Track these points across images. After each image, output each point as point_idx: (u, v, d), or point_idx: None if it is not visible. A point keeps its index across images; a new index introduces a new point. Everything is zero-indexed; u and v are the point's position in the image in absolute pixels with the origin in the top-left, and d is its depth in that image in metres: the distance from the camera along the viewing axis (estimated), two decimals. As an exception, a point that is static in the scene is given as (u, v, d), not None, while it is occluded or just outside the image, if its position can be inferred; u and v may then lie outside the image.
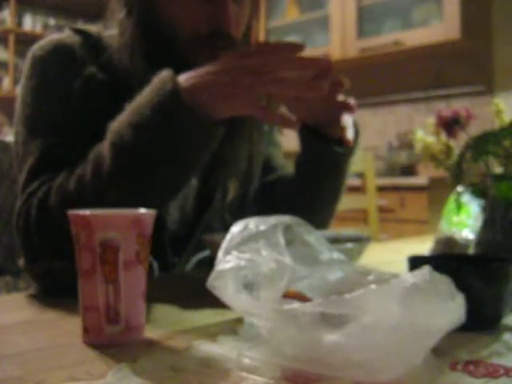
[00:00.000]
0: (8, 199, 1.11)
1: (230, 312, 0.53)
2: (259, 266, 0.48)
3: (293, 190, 1.02)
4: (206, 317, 0.62)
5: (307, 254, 0.56)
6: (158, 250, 0.88)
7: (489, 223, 0.73)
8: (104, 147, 0.72)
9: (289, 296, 0.50)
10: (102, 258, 0.50)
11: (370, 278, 0.54)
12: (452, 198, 0.87)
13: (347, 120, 0.92)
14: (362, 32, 3.44)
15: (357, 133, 0.95)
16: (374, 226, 1.91)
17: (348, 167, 0.98)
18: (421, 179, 2.90)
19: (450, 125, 0.87)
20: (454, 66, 3.30)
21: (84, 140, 0.77)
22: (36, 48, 0.87)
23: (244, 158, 0.96)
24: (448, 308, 0.44)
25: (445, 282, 0.46)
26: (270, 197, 1.07)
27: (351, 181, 1.10)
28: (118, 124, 0.71)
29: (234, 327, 0.55)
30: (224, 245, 0.51)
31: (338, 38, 3.51)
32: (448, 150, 0.90)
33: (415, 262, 0.58)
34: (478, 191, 0.76)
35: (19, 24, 4.78)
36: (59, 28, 4.56)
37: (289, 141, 1.12)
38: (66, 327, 0.59)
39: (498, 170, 0.75)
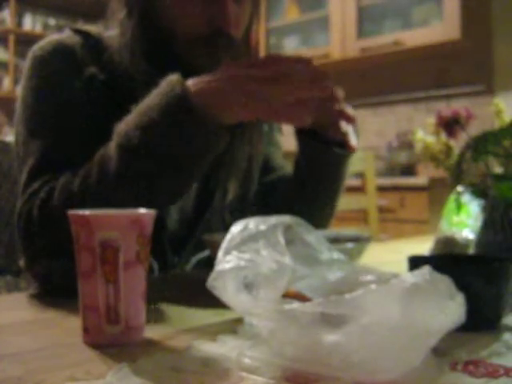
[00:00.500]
0: (9, 199, 1.11)
1: (230, 312, 0.53)
2: (259, 265, 0.48)
3: (292, 191, 1.02)
4: (206, 317, 0.62)
5: (307, 254, 0.56)
6: (157, 250, 0.88)
7: (489, 223, 0.73)
8: (110, 149, 0.72)
9: (289, 296, 0.50)
10: (101, 258, 0.50)
11: (370, 278, 0.54)
12: (452, 198, 0.87)
13: (347, 125, 0.92)
14: (362, 32, 3.44)
15: (356, 133, 0.95)
16: (374, 226, 1.91)
17: (346, 168, 0.97)
18: (421, 179, 2.90)
19: (450, 125, 0.87)
20: (454, 66, 3.30)
21: (84, 140, 0.77)
22: (36, 48, 0.87)
23: (244, 159, 0.96)
24: (448, 308, 0.44)
25: (445, 282, 0.46)
26: (269, 197, 1.07)
27: (351, 181, 1.10)
28: (125, 126, 0.71)
29: (233, 327, 0.55)
30: (224, 245, 0.51)
31: (338, 38, 3.51)
32: (448, 149, 0.90)
33: (415, 262, 0.58)
34: (478, 191, 0.76)
35: (19, 24, 4.78)
36: (59, 28, 4.56)
37: (289, 141, 1.12)
38: (66, 327, 0.59)
39: (497, 170, 0.75)
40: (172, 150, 0.70)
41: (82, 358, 0.49)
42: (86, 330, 0.52)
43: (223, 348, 0.49)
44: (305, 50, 3.72)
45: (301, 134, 0.94)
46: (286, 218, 0.56)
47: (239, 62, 0.73)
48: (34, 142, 0.81)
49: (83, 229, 0.51)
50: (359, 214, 1.97)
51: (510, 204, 0.71)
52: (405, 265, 0.60)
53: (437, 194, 2.76)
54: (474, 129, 0.81)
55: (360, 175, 1.93)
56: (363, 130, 3.57)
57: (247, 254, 0.49)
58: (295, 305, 0.44)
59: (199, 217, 0.96)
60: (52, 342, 0.54)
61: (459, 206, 0.83)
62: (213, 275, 0.48)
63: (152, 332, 0.55)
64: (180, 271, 0.94)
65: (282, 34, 3.92)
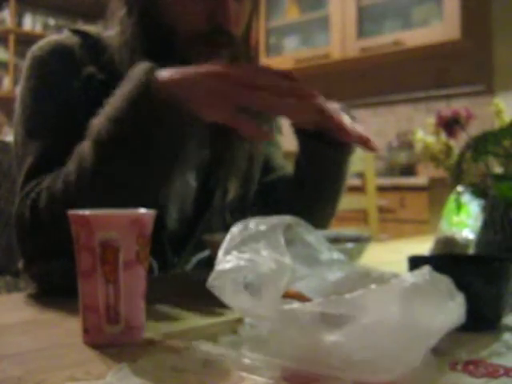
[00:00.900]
0: (8, 200, 1.11)
1: (230, 312, 0.53)
2: (259, 265, 0.48)
3: (292, 191, 1.02)
4: (206, 317, 0.62)
5: (307, 254, 0.56)
6: (157, 250, 0.88)
7: (489, 223, 0.73)
8: (85, 145, 0.71)
9: (289, 296, 0.50)
10: (101, 258, 0.50)
11: (370, 278, 0.54)
12: (452, 198, 0.87)
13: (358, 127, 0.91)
14: (362, 32, 3.44)
15: None
16: (374, 226, 1.91)
17: (347, 167, 0.97)
18: (421, 179, 2.90)
19: (449, 125, 0.87)
20: (454, 66, 3.30)
21: (83, 140, 0.77)
22: (35, 49, 0.88)
23: (243, 159, 0.96)
24: (448, 308, 0.44)
25: (445, 282, 0.46)
26: (270, 197, 1.07)
27: (351, 181, 1.10)
28: (98, 119, 0.71)
29: (234, 327, 0.55)
30: (224, 245, 0.51)
31: (338, 38, 3.51)
32: (448, 149, 0.90)
33: (415, 262, 0.58)
34: (478, 191, 0.76)
35: (19, 24, 4.78)
36: (59, 28, 4.56)
37: (289, 141, 1.12)
38: (66, 327, 0.59)
39: (497, 170, 0.75)
40: (140, 140, 0.69)
41: (82, 358, 0.49)
42: (85, 330, 0.52)
43: (223, 348, 0.49)
44: (305, 50, 3.72)
45: (301, 133, 0.94)
46: (286, 218, 0.56)
47: (224, 62, 0.71)
48: (32, 142, 0.81)
49: (83, 229, 0.51)
50: (359, 214, 1.97)
51: (510, 204, 0.71)
52: (405, 265, 0.60)
53: (437, 193, 2.76)
54: (474, 129, 0.81)
55: (360, 175, 1.93)
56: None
57: (247, 254, 0.49)
58: (295, 305, 0.44)
59: (199, 217, 0.96)
60: (52, 342, 0.54)
61: (459, 206, 0.83)
62: (213, 275, 0.48)
63: (152, 332, 0.55)
64: (180, 271, 0.94)
65: (282, 34, 3.92)
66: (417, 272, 0.46)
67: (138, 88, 0.68)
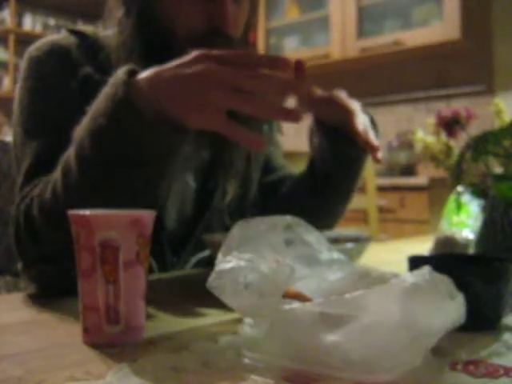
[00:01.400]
0: (8, 199, 1.11)
1: (230, 312, 0.53)
2: (259, 265, 0.48)
3: (305, 190, 1.02)
4: (206, 317, 0.62)
5: (307, 254, 0.56)
6: (157, 250, 0.88)
7: (489, 223, 0.73)
8: (70, 157, 0.69)
9: (289, 296, 0.50)
10: (101, 258, 0.50)
11: (370, 278, 0.54)
12: (452, 198, 0.87)
13: (374, 136, 0.92)
14: (362, 32, 3.44)
15: (376, 131, 0.96)
16: (374, 226, 1.91)
17: (364, 166, 0.99)
18: (421, 179, 2.90)
19: (450, 125, 0.87)
20: (454, 65, 3.30)
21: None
22: (32, 49, 0.88)
23: (242, 159, 0.96)
24: (448, 308, 0.44)
25: (445, 282, 0.46)
26: (273, 197, 1.07)
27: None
28: (80, 132, 0.68)
29: (234, 327, 0.55)
30: (224, 245, 0.51)
31: (338, 38, 3.51)
32: (448, 150, 0.90)
33: (415, 262, 0.58)
34: (478, 191, 0.76)
35: (19, 24, 4.78)
36: (59, 28, 4.57)
37: (289, 141, 1.12)
38: (66, 327, 0.59)
39: (498, 170, 0.75)
40: (125, 156, 0.66)
41: (82, 358, 0.49)
42: (85, 330, 0.52)
43: (223, 348, 0.49)
44: (305, 50, 3.72)
45: (325, 129, 0.95)
46: (286, 218, 0.56)
47: (206, 52, 0.62)
48: (30, 143, 0.81)
49: (83, 229, 0.51)
50: (359, 214, 1.97)
51: (510, 204, 0.71)
52: (405, 265, 0.60)
53: (437, 194, 2.76)
54: (474, 129, 0.81)
55: (360, 175, 1.93)
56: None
57: (247, 254, 0.49)
58: (295, 305, 0.44)
59: (198, 217, 0.96)
60: (52, 342, 0.54)
61: (459, 206, 0.83)
62: (213, 275, 0.48)
63: (152, 332, 0.55)
64: (180, 271, 0.94)
65: (282, 33, 3.92)
66: (417, 272, 0.46)
67: (117, 103, 0.64)
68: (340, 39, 3.50)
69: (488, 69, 3.17)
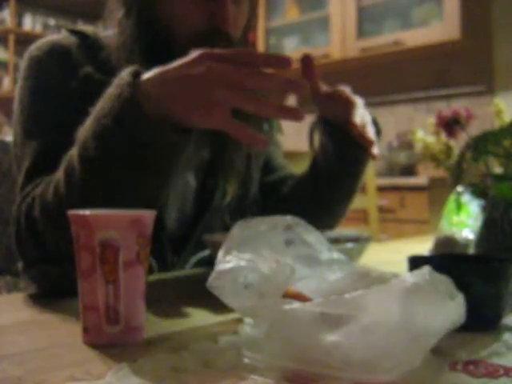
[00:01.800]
0: (8, 199, 1.11)
1: (230, 312, 0.53)
2: (259, 265, 0.48)
3: (307, 190, 1.02)
4: (206, 317, 0.62)
5: (307, 254, 0.56)
6: (157, 249, 0.88)
7: (489, 223, 0.73)
8: (73, 157, 0.69)
9: (289, 296, 0.50)
10: (101, 257, 0.50)
11: (370, 278, 0.54)
12: (452, 198, 0.87)
13: (371, 131, 0.93)
14: (361, 32, 3.44)
15: (378, 131, 0.97)
16: (374, 226, 1.91)
17: (367, 167, 0.99)
18: (421, 179, 2.90)
19: (450, 125, 0.87)
20: (454, 66, 3.30)
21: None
22: (33, 49, 0.88)
23: (242, 159, 0.96)
24: (448, 308, 0.44)
25: (445, 282, 0.46)
26: (274, 197, 1.07)
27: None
28: (84, 132, 0.68)
29: (233, 327, 0.55)
30: (224, 245, 0.51)
31: (338, 38, 3.51)
32: (448, 150, 0.90)
33: (415, 262, 0.58)
34: (478, 191, 0.76)
35: (19, 24, 4.79)
36: (59, 28, 4.56)
37: (289, 141, 1.12)
38: (66, 327, 0.59)
39: (497, 170, 0.75)
40: (129, 157, 0.66)
41: (82, 358, 0.49)
42: (85, 330, 0.52)
43: (223, 348, 0.49)
44: (305, 50, 3.71)
45: (328, 129, 0.95)
46: (286, 218, 0.56)
47: (208, 52, 0.62)
48: (30, 143, 0.81)
49: (83, 229, 0.51)
50: (359, 214, 1.97)
51: (510, 204, 0.71)
52: (405, 265, 0.60)
53: (437, 194, 2.76)
54: (474, 129, 0.81)
55: (360, 175, 1.92)
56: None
57: (247, 254, 0.49)
58: (295, 305, 0.44)
59: (199, 216, 0.96)
60: (52, 342, 0.54)
61: (459, 206, 0.83)
62: (213, 275, 0.48)
63: (152, 332, 0.55)
64: (180, 271, 0.94)
65: (282, 33, 3.92)
66: (417, 272, 0.46)
67: (122, 104, 0.64)
68: (340, 39, 3.50)
69: (488, 69, 3.17)
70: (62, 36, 0.89)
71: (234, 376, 0.43)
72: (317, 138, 1.00)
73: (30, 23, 4.83)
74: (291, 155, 1.38)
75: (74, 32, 0.90)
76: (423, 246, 0.95)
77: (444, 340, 0.44)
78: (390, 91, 3.59)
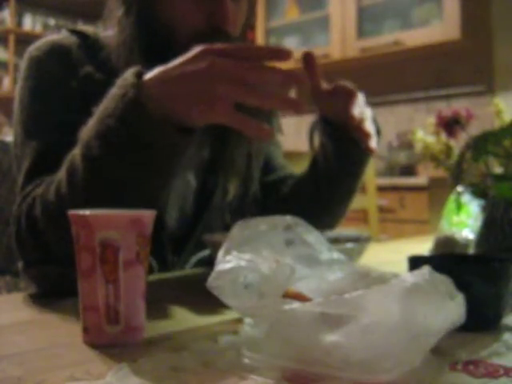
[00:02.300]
0: (8, 199, 1.11)
1: (230, 312, 0.53)
2: (259, 265, 0.48)
3: (307, 190, 1.02)
4: (206, 317, 0.62)
5: (307, 254, 0.56)
6: (157, 249, 0.88)
7: (489, 223, 0.73)
8: (76, 157, 0.69)
9: (289, 296, 0.50)
10: (101, 257, 0.50)
11: (370, 278, 0.54)
12: (452, 198, 0.87)
13: (370, 126, 0.93)
14: (361, 32, 3.44)
15: (378, 131, 0.97)
16: (374, 226, 1.91)
17: (367, 167, 0.99)
18: (421, 179, 2.90)
19: (450, 125, 0.87)
20: (454, 65, 3.30)
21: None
22: (32, 49, 0.88)
23: (243, 158, 0.96)
24: (448, 308, 0.44)
25: (445, 282, 0.46)
26: (275, 197, 1.07)
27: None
28: (87, 132, 0.68)
29: (233, 327, 0.55)
30: (224, 245, 0.51)
31: (338, 38, 3.51)
32: (448, 150, 0.90)
33: (415, 262, 0.58)
34: (478, 191, 0.76)
35: (19, 24, 4.78)
36: (59, 28, 4.56)
37: (289, 141, 1.12)
38: (66, 327, 0.59)
39: (497, 170, 0.75)
40: (133, 157, 0.66)
41: (82, 358, 0.49)
42: (85, 330, 0.52)
43: (223, 348, 0.49)
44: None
45: (330, 129, 0.95)
46: (286, 218, 0.56)
47: (208, 47, 0.63)
48: (30, 143, 0.81)
49: (83, 229, 0.51)
50: (359, 214, 1.97)
51: (510, 204, 0.71)
52: (405, 265, 0.60)
53: (437, 194, 2.76)
54: (474, 129, 0.81)
55: (360, 175, 1.93)
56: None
57: (247, 253, 0.49)
58: (295, 305, 0.44)
59: (199, 216, 0.96)
60: (52, 342, 0.54)
61: (459, 206, 0.83)
62: (213, 275, 0.48)
63: (152, 332, 0.55)
64: (180, 271, 0.94)
65: (282, 33, 3.92)
66: (417, 272, 0.46)
67: (126, 105, 0.64)
68: (340, 39, 3.50)
69: (488, 69, 3.17)
70: (62, 36, 0.89)
71: (234, 376, 0.43)
72: (317, 137, 1.00)
73: (30, 23, 4.83)
74: (291, 155, 1.38)
75: (74, 32, 0.90)
76: (423, 246, 0.95)
77: (444, 340, 0.44)
78: (390, 91, 3.59)
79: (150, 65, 0.66)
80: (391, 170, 3.31)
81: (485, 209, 0.75)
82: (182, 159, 0.69)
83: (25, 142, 0.82)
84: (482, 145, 0.71)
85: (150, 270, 0.83)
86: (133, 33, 0.84)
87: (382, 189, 2.57)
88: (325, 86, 0.93)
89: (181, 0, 0.83)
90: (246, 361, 0.46)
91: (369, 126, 0.93)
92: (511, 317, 0.59)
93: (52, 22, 4.97)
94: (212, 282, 0.48)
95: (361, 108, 0.92)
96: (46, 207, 0.72)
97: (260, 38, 3.87)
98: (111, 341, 0.51)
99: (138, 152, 0.65)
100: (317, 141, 1.01)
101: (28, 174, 0.80)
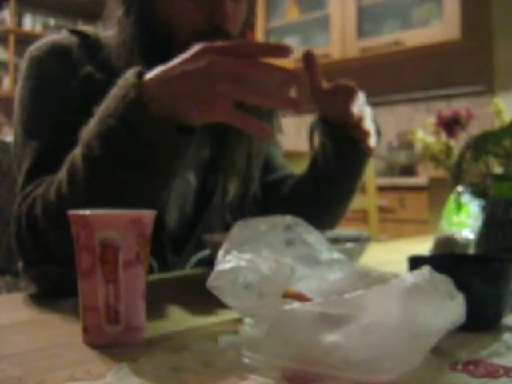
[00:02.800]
0: (8, 199, 1.11)
1: (230, 312, 0.53)
2: (259, 265, 0.48)
3: (307, 190, 1.02)
4: (206, 317, 0.62)
5: (307, 254, 0.56)
6: (157, 249, 0.88)
7: (489, 223, 0.73)
8: (77, 157, 0.69)
9: (289, 296, 0.50)
10: (101, 257, 0.50)
11: (370, 278, 0.54)
12: (452, 198, 0.87)
13: (370, 125, 0.93)
14: (361, 32, 3.44)
15: (378, 131, 0.97)
16: (374, 226, 1.91)
17: (366, 167, 0.99)
18: (421, 179, 2.90)
19: (450, 125, 0.87)
20: (454, 65, 3.30)
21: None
22: (33, 49, 0.88)
23: (243, 158, 0.96)
24: (448, 308, 0.44)
25: (445, 282, 0.46)
26: (275, 197, 1.07)
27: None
28: (88, 132, 0.68)
29: (234, 327, 0.55)
30: (224, 245, 0.51)
31: (338, 38, 3.51)
32: (448, 150, 0.90)
33: (415, 262, 0.58)
34: (478, 191, 0.76)
35: (19, 24, 4.78)
36: (59, 28, 4.56)
37: (289, 141, 1.12)
38: (66, 327, 0.59)
39: (497, 170, 0.75)
40: (133, 158, 0.66)
41: (82, 358, 0.49)
42: (85, 330, 0.52)
43: (223, 348, 0.49)
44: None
45: (329, 129, 0.95)
46: (286, 218, 0.56)
47: (207, 45, 0.63)
48: (30, 143, 0.81)
49: (83, 229, 0.51)
50: (359, 214, 1.97)
51: (510, 204, 0.71)
52: (405, 265, 0.60)
53: (437, 194, 2.76)
54: (474, 129, 0.81)
55: (360, 175, 1.93)
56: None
57: (247, 253, 0.49)
58: (295, 305, 0.44)
59: (199, 216, 0.96)
60: (52, 342, 0.54)
61: (459, 206, 0.83)
62: (213, 275, 0.48)
63: (152, 332, 0.55)
64: (180, 271, 0.94)
65: (282, 33, 3.92)
66: (417, 272, 0.46)
67: (127, 105, 0.64)
68: (340, 39, 3.50)
69: (488, 69, 3.17)
70: (62, 36, 0.89)
71: (234, 376, 0.43)
72: (316, 137, 1.00)
73: (29, 23, 4.83)
74: (291, 155, 1.38)
75: (74, 32, 0.90)
76: (423, 246, 0.95)
77: (444, 340, 0.44)
78: (390, 91, 3.59)
79: (151, 64, 0.66)
80: (391, 169, 3.31)
81: (485, 209, 0.75)
82: (182, 159, 0.69)
83: (25, 142, 0.82)
84: (481, 145, 0.71)
85: (150, 270, 0.83)
86: (133, 32, 0.84)
87: (381, 189, 2.57)
88: (325, 85, 0.93)
89: (180, 0, 0.83)
90: (246, 361, 0.46)
91: (368, 125, 0.93)
92: (511, 317, 0.59)
93: (52, 21, 4.97)
94: (212, 282, 0.48)
95: (361, 107, 0.92)
96: (46, 207, 0.72)
97: (260, 38, 3.87)
98: (111, 341, 0.51)
99: (138, 152, 0.65)
100: (317, 141, 1.01)
101: (28, 174, 0.80)
